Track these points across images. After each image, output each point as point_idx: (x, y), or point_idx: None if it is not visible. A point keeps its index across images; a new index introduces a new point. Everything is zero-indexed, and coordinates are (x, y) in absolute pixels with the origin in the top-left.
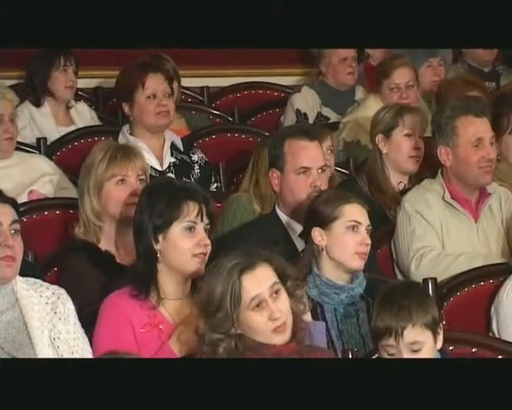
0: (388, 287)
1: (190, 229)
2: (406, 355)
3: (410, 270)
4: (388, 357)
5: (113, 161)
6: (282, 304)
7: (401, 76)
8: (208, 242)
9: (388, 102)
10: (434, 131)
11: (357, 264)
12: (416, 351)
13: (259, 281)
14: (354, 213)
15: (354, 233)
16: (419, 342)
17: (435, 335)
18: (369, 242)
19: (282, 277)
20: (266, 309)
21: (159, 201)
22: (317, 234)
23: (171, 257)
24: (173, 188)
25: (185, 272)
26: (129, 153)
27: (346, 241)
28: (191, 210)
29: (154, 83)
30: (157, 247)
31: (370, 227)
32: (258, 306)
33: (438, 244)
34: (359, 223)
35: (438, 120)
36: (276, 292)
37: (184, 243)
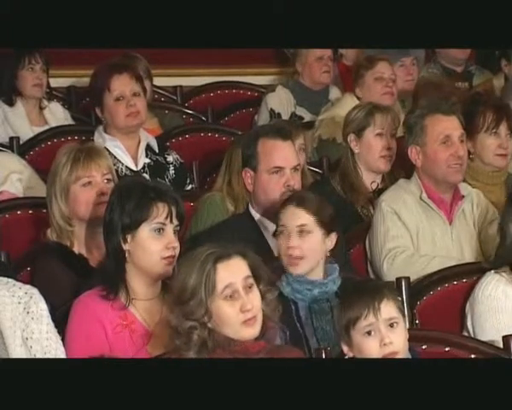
0: (352, 284)
1: (159, 230)
2: (384, 331)
3: (382, 270)
4: (365, 339)
5: (77, 164)
6: (254, 298)
7: (385, 68)
8: (177, 244)
9: (370, 94)
10: (405, 132)
11: (291, 270)
12: (392, 327)
13: (233, 271)
14: (284, 216)
15: (283, 237)
16: (395, 317)
17: (404, 321)
18: (292, 244)
19: (256, 275)
20: (238, 300)
21: (128, 200)
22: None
23: (140, 258)
24: (144, 188)
25: (153, 274)
26: (91, 153)
27: (278, 246)
28: (160, 212)
29: (120, 84)
30: (125, 247)
31: (307, 227)
32: (230, 297)
33: (411, 246)
34: (284, 226)
35: (408, 119)
36: (250, 286)
37: (153, 244)
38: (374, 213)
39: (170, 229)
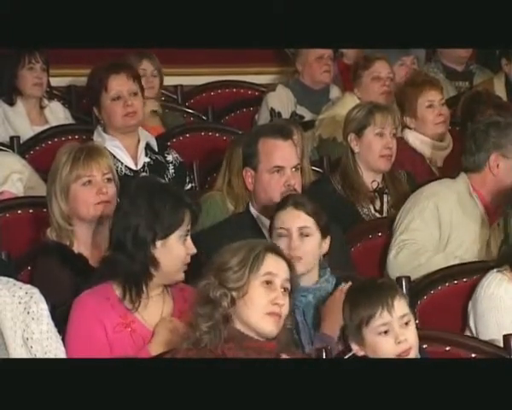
0: (356, 284)
1: (186, 237)
2: (398, 329)
3: (389, 256)
4: (380, 338)
5: (77, 163)
6: (286, 302)
7: (382, 67)
8: (195, 250)
9: (368, 94)
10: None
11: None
12: (406, 324)
13: (279, 266)
14: (282, 220)
15: (284, 239)
16: (407, 314)
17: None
18: (294, 246)
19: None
20: (273, 292)
21: (162, 207)
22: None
23: (165, 264)
24: (175, 195)
25: (172, 278)
26: (92, 153)
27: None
28: (191, 219)
29: (117, 84)
30: (153, 252)
31: (307, 229)
32: (267, 283)
33: (427, 241)
34: (287, 229)
35: (496, 127)
36: (285, 289)
37: (180, 251)
38: (407, 201)
39: (189, 236)
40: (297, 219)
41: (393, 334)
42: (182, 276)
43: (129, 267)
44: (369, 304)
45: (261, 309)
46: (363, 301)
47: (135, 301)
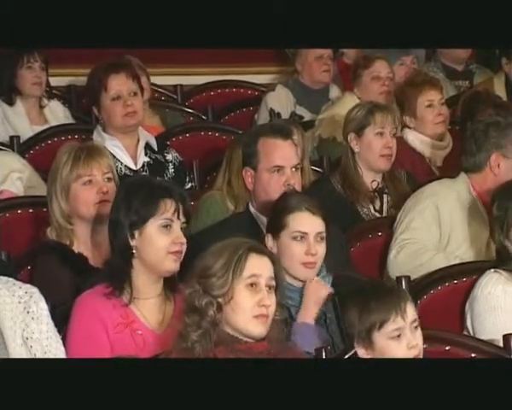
0: (360, 287)
1: (167, 226)
2: (410, 334)
3: (389, 255)
4: (393, 342)
5: (77, 162)
6: (272, 301)
7: (382, 66)
8: (184, 240)
9: (367, 94)
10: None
11: (304, 274)
12: (416, 328)
13: (263, 265)
14: (300, 222)
15: (300, 243)
16: (416, 319)
17: None
18: (314, 252)
19: (276, 284)
20: (259, 293)
21: (136, 197)
22: (270, 241)
23: (147, 254)
24: (151, 185)
25: (160, 269)
26: (92, 152)
27: (291, 251)
28: (168, 207)
29: (117, 83)
30: (133, 243)
31: (323, 234)
32: (252, 286)
33: (427, 241)
34: (305, 233)
35: (497, 127)
36: (270, 288)
37: (160, 240)
38: (408, 201)
39: (177, 225)
40: (316, 225)
41: (405, 339)
42: (173, 266)
43: (114, 261)
44: (382, 309)
45: (248, 313)
46: (376, 306)
47: (123, 294)
